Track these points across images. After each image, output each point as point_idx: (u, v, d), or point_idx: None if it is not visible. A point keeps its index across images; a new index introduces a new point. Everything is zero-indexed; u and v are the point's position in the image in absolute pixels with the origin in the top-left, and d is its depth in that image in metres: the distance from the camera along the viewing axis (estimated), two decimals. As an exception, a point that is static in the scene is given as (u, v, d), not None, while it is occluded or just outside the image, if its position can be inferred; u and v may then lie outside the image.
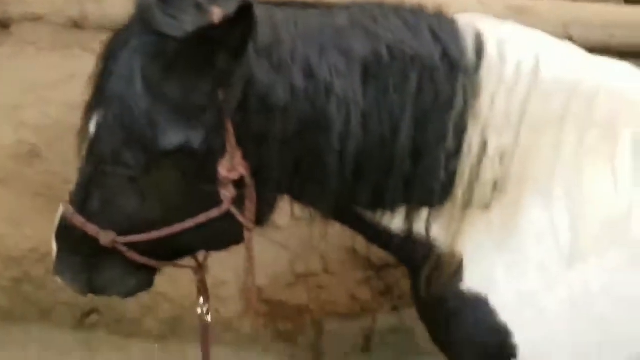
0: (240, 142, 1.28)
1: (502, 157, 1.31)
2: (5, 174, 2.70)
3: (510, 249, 1.38)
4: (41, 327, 2.94)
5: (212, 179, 1.30)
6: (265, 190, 1.36)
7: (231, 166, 1.28)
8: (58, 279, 1.53)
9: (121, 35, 1.33)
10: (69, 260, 1.50)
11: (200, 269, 1.63)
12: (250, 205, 1.35)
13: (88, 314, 2.93)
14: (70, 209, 1.41)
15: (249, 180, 1.31)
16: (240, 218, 1.35)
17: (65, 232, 1.46)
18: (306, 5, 1.40)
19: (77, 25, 2.67)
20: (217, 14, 1.26)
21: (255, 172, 1.31)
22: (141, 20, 1.29)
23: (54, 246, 1.50)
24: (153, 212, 1.36)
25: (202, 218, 1.34)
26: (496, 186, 1.33)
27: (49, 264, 2.73)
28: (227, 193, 1.31)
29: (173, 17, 1.25)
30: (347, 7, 1.39)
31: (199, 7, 1.28)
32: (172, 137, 1.27)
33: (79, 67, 2.69)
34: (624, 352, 1.49)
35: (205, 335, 1.71)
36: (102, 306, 2.90)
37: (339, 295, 2.81)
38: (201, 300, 1.67)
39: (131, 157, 1.28)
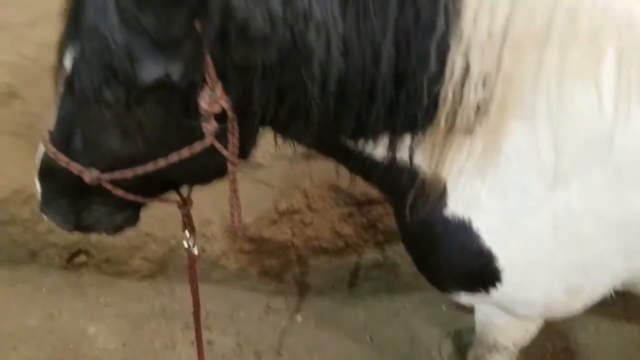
0: (220, 74, 1.25)
1: (485, 80, 1.29)
2: (-17, 116, 2.66)
3: (493, 173, 1.39)
4: (30, 268, 2.97)
5: (194, 113, 1.29)
6: (248, 123, 1.34)
7: (212, 99, 1.26)
8: (45, 218, 1.55)
9: None
10: (55, 200, 1.50)
11: (185, 203, 1.65)
12: (233, 139, 1.34)
13: (76, 254, 2.96)
14: (52, 148, 1.39)
15: (231, 114, 1.30)
16: (224, 152, 1.35)
17: (48, 172, 1.46)
18: None
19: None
20: None
21: (238, 105, 1.30)
22: None
23: (38, 186, 1.50)
24: (137, 148, 1.35)
25: (185, 152, 1.34)
26: (479, 109, 1.31)
27: (35, 206, 2.75)
28: (209, 127, 1.30)
29: None
30: None
31: None
32: (151, 71, 1.24)
33: (54, 6, 2.63)
34: (607, 271, 1.53)
35: (192, 267, 1.75)
36: (90, 247, 2.93)
37: (323, 231, 2.86)
38: (187, 233, 1.70)
39: (111, 93, 1.26)
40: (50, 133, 1.41)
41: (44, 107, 2.50)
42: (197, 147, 1.33)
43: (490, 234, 1.46)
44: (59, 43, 1.32)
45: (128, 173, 1.37)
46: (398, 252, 2.92)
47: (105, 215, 1.53)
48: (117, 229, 1.60)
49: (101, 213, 1.53)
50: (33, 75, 2.49)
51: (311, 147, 1.48)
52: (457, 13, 1.26)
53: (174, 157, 1.34)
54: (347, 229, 2.86)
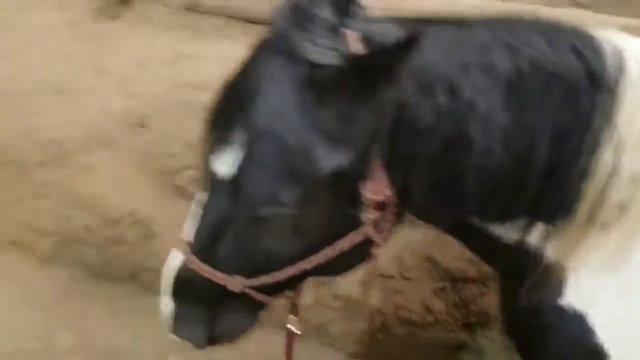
0: (385, 164, 1.27)
1: (632, 180, 1.27)
2: (113, 139, 2.88)
3: (624, 271, 1.34)
4: (129, 288, 3.11)
5: (356, 202, 1.27)
6: (402, 210, 1.34)
7: (377, 188, 1.27)
8: (176, 339, 1.46)
9: (259, 64, 1.27)
10: (188, 315, 1.41)
11: (296, 292, 1.58)
12: (388, 225, 1.33)
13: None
14: (195, 260, 1.32)
15: (392, 201, 1.29)
16: (377, 239, 1.32)
17: (184, 285, 1.38)
18: (441, 21, 1.37)
19: (191, 8, 2.80)
20: (352, 37, 1.24)
21: (398, 193, 1.30)
22: (279, 47, 1.24)
23: (168, 303, 1.42)
24: (295, 247, 1.29)
25: (345, 245, 1.29)
26: (620, 208, 1.29)
27: (143, 229, 2.91)
28: (371, 215, 1.28)
29: (313, 43, 1.22)
30: (485, 22, 1.36)
31: (334, 30, 1.25)
32: (326, 164, 1.22)
33: (189, 49, 2.84)
34: None
35: (290, 347, 1.63)
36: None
37: (413, 303, 2.78)
38: (291, 316, 1.60)
39: (288, 193, 1.22)
40: (189, 244, 1.35)
41: (167, 138, 2.68)
42: (356, 237, 1.30)
43: (607, 331, 1.39)
44: (212, 143, 1.29)
45: (278, 275, 1.32)
46: (488, 338, 2.77)
47: (237, 323, 1.45)
48: (242, 336, 1.50)
49: (234, 321, 1.44)
50: (162, 108, 2.68)
51: (441, 227, 1.49)
52: (614, 112, 1.27)
53: (331, 251, 1.30)
54: (438, 305, 2.77)
